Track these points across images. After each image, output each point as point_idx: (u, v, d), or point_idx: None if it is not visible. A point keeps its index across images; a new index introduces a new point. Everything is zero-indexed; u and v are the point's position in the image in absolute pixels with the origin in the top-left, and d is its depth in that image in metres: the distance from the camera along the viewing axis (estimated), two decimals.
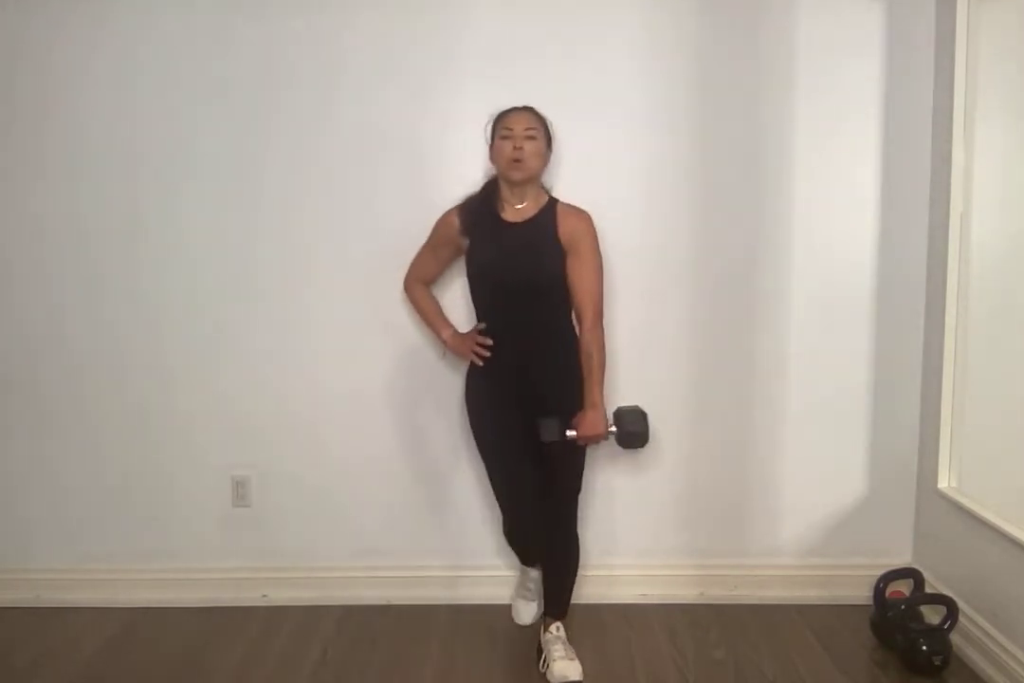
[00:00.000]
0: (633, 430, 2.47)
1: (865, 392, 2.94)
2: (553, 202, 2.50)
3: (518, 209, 2.48)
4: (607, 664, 2.60)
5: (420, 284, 2.72)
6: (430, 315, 2.71)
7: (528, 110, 2.47)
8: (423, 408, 2.94)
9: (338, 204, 2.89)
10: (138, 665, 2.65)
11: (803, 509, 2.98)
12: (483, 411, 2.56)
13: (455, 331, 2.66)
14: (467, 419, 2.62)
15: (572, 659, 2.50)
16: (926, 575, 2.79)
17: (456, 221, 2.54)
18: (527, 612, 2.81)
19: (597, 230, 2.48)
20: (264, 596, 2.99)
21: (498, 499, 2.61)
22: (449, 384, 2.85)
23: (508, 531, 2.65)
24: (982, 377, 2.67)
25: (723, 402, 2.96)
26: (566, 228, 2.44)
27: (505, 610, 2.86)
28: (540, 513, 2.53)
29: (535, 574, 2.74)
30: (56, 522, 3.02)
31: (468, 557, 2.99)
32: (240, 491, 3.00)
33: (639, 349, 2.92)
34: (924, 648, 2.51)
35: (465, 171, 2.78)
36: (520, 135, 2.41)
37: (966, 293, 2.68)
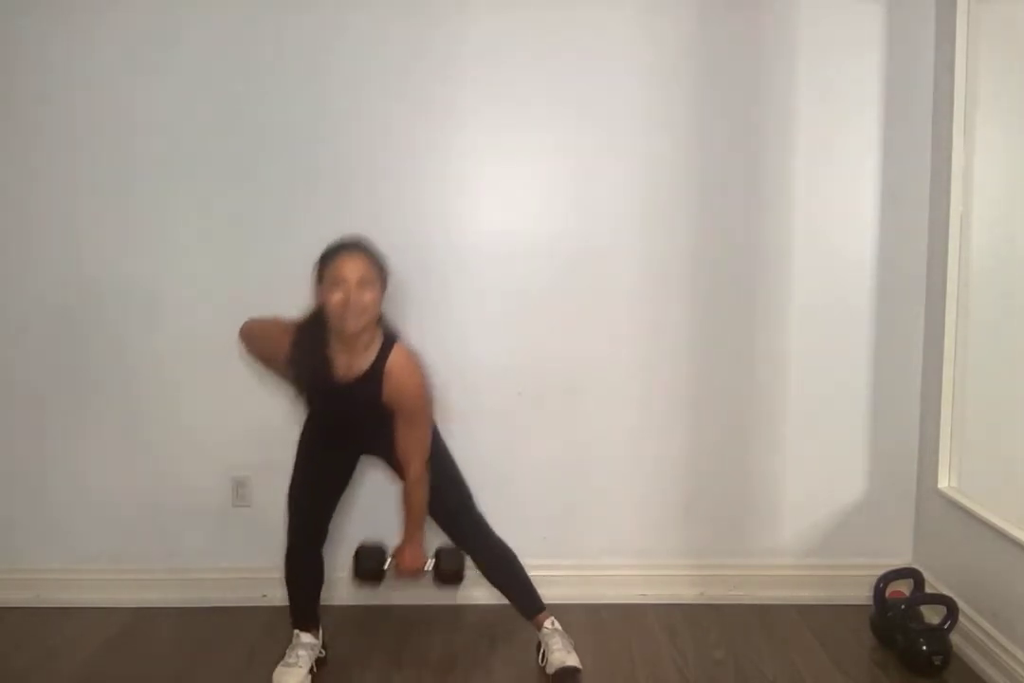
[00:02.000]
0: (451, 569, 2.50)
1: (865, 392, 2.94)
2: (386, 350, 2.33)
3: (349, 359, 2.33)
4: (607, 664, 2.60)
5: (261, 360, 2.57)
6: (279, 372, 2.53)
7: (360, 252, 2.29)
8: None
9: (336, 205, 2.88)
10: (138, 665, 2.65)
11: (803, 509, 2.98)
12: (310, 443, 2.54)
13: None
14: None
15: (570, 650, 2.51)
16: (926, 575, 2.79)
17: (288, 353, 2.35)
18: (289, 679, 2.48)
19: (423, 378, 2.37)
20: (264, 596, 2.99)
21: (291, 516, 2.56)
22: (444, 385, 2.85)
23: (291, 554, 2.58)
24: (982, 377, 2.67)
25: (723, 402, 2.96)
26: (389, 390, 2.32)
27: (505, 610, 2.85)
28: (320, 545, 2.58)
29: (306, 638, 2.56)
30: (56, 522, 3.02)
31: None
32: (240, 491, 3.00)
33: (639, 349, 2.92)
34: (924, 648, 2.51)
35: (465, 170, 2.79)
36: (355, 285, 2.23)
37: (966, 293, 2.68)
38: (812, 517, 2.99)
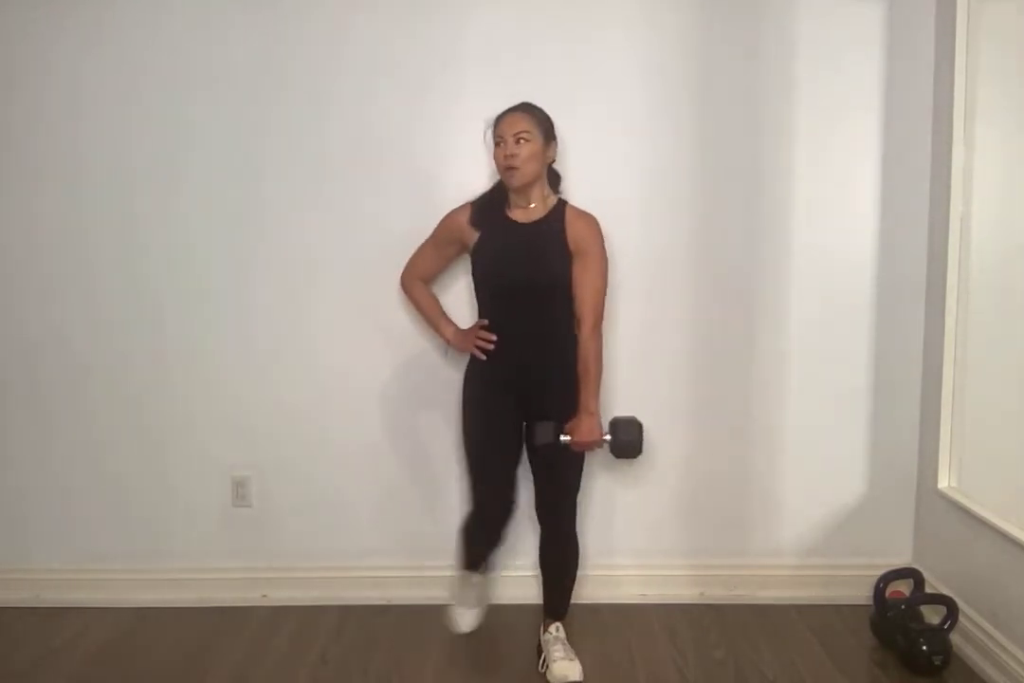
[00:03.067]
0: (627, 439, 2.44)
1: (865, 392, 2.94)
2: (563, 204, 2.48)
3: (526, 210, 2.46)
4: (607, 664, 2.60)
5: (419, 282, 2.70)
6: (431, 313, 2.70)
7: (520, 111, 2.42)
8: (425, 409, 2.94)
9: (337, 204, 2.89)
10: (138, 665, 2.65)
11: (803, 509, 2.98)
12: (476, 408, 2.55)
13: (457, 328, 2.66)
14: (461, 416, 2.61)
15: (572, 659, 2.51)
16: (926, 575, 2.79)
17: (464, 219, 2.51)
18: (466, 620, 2.72)
19: (604, 235, 2.46)
20: (264, 596, 2.99)
21: (473, 487, 2.55)
22: (451, 385, 2.84)
23: (472, 522, 2.57)
24: (982, 377, 2.67)
25: (723, 402, 2.96)
26: (574, 232, 2.42)
27: (506, 610, 2.86)
28: (509, 510, 2.54)
29: (477, 579, 2.68)
30: (56, 522, 3.03)
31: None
32: (240, 491, 3.00)
33: (639, 349, 2.92)
34: (924, 648, 2.51)
35: (464, 171, 2.79)
36: (511, 141, 2.37)
37: (966, 293, 2.68)
38: (812, 517, 2.99)
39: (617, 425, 2.46)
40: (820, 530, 2.99)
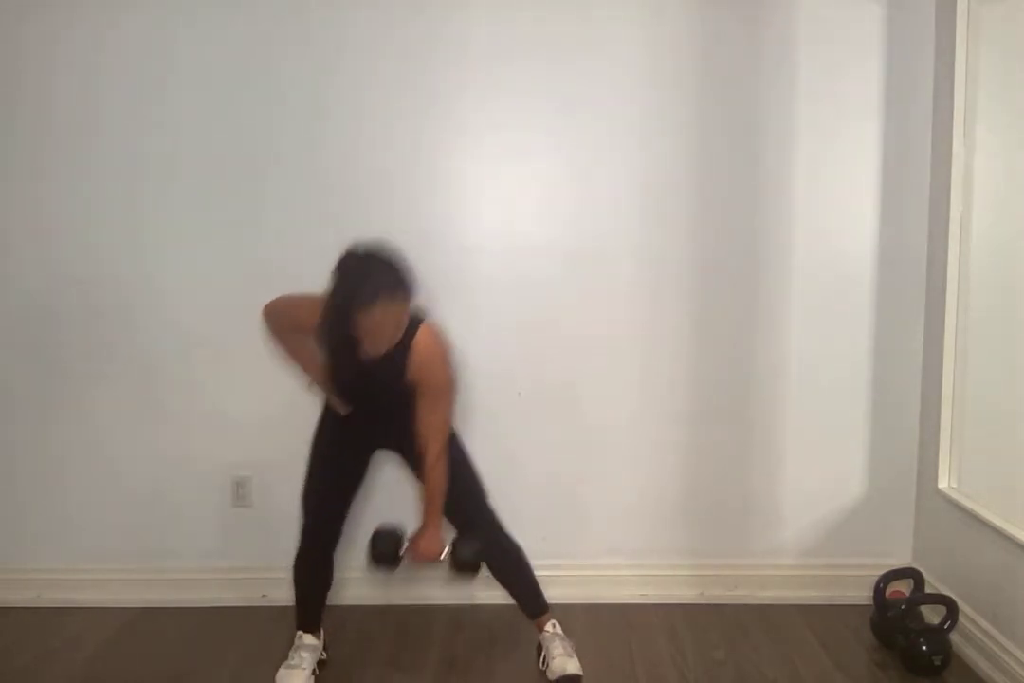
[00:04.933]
0: (467, 559, 2.42)
1: (865, 392, 2.94)
2: (413, 329, 2.29)
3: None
4: (607, 664, 2.60)
5: (286, 334, 2.51)
6: (298, 358, 2.54)
7: (389, 302, 2.15)
8: None
9: (335, 205, 2.89)
10: (138, 665, 2.65)
11: (803, 509, 2.98)
12: (324, 441, 2.52)
13: (324, 375, 2.48)
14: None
15: (571, 655, 2.51)
16: (926, 575, 2.79)
17: (310, 324, 2.31)
18: (292, 681, 2.48)
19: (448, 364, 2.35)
20: (264, 596, 2.99)
21: (304, 517, 2.52)
22: None
23: (300, 565, 2.54)
24: (982, 377, 2.66)
25: (723, 402, 2.96)
26: (415, 369, 2.30)
27: (505, 610, 2.85)
28: (333, 548, 2.53)
29: (309, 640, 2.56)
30: (57, 522, 3.03)
31: None
32: (240, 491, 3.00)
33: (639, 349, 2.92)
34: (924, 648, 2.51)
35: (465, 169, 2.79)
36: (386, 334, 2.22)
37: (966, 293, 2.68)
38: (812, 517, 2.99)
39: (458, 543, 2.45)
40: (820, 530, 2.99)
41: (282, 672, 2.49)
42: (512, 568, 2.60)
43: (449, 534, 2.48)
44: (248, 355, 2.94)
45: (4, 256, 2.94)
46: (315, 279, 2.90)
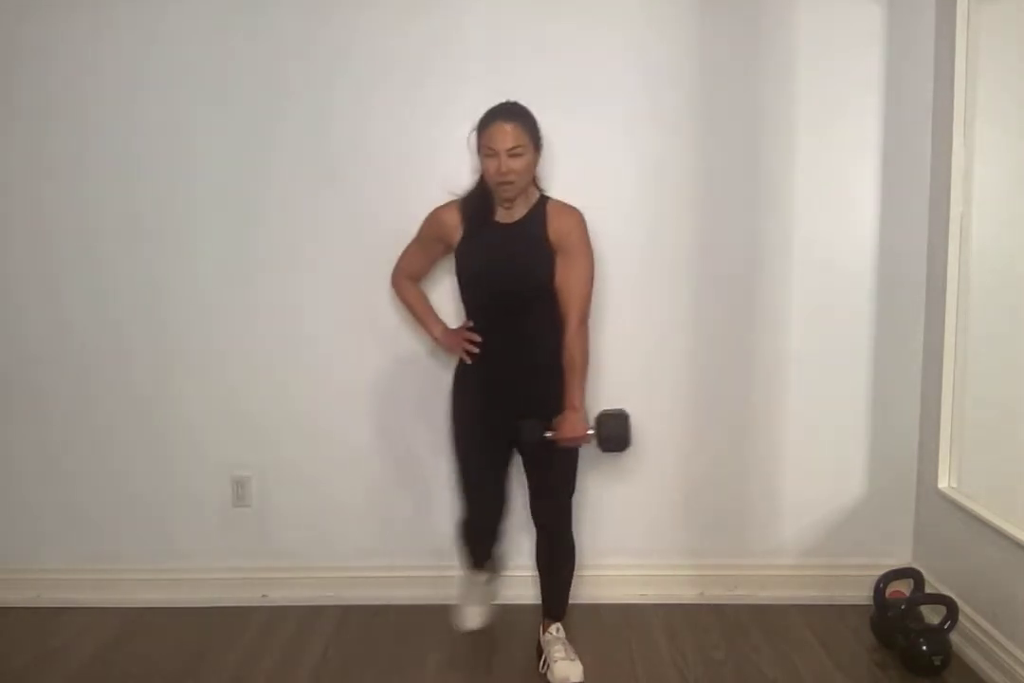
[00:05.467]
0: (613, 434, 2.42)
1: (865, 392, 2.94)
2: (544, 200, 2.45)
3: (509, 211, 2.44)
4: (607, 664, 2.60)
5: (408, 280, 2.69)
6: (419, 312, 2.69)
7: (511, 121, 2.33)
8: (423, 410, 2.93)
9: (337, 204, 2.89)
10: (138, 665, 2.65)
11: (803, 509, 2.98)
12: (462, 417, 2.55)
13: (445, 327, 2.65)
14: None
15: (573, 660, 2.51)
16: (926, 575, 2.79)
17: (448, 218, 2.49)
18: (474, 617, 2.76)
19: (589, 228, 2.44)
20: (264, 596, 2.99)
21: (463, 493, 2.57)
22: (447, 386, 2.85)
23: (465, 527, 2.61)
24: (982, 377, 2.66)
25: (723, 402, 2.96)
26: (555, 228, 2.40)
27: (506, 610, 2.86)
28: (500, 514, 2.58)
29: (481, 578, 2.73)
30: (57, 522, 3.03)
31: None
32: (240, 491, 3.00)
33: (639, 349, 2.92)
34: (924, 648, 2.51)
35: (462, 171, 2.79)
36: (505, 155, 2.31)
37: (966, 293, 2.68)
38: (812, 517, 2.99)
39: (603, 420, 2.44)
40: (820, 530, 2.99)
41: (469, 610, 2.71)
42: (561, 566, 2.61)
43: (592, 409, 2.46)
44: (250, 356, 2.95)
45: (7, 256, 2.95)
46: (315, 280, 2.92)
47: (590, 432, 2.42)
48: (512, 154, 2.31)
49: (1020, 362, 2.57)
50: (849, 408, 2.95)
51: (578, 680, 2.46)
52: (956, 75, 2.63)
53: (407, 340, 2.91)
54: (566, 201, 2.47)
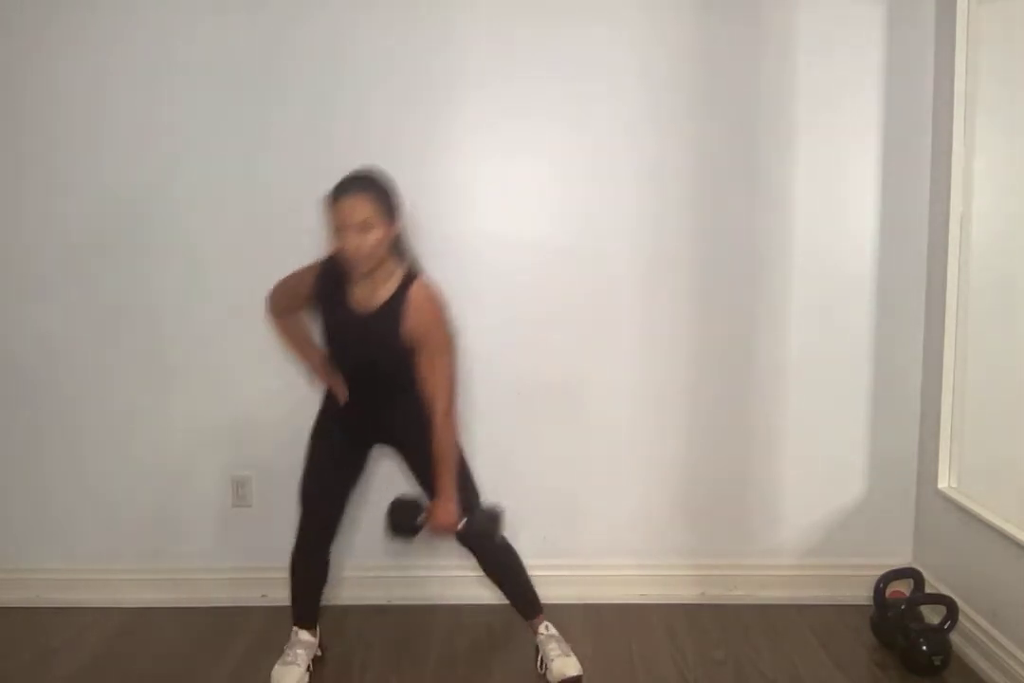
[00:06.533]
0: (481, 530, 2.43)
1: (865, 392, 2.94)
2: (408, 283, 2.31)
3: (367, 295, 2.32)
4: (607, 664, 2.60)
5: (286, 312, 2.55)
6: (299, 344, 2.59)
7: (360, 192, 2.20)
8: None
9: None
10: (138, 665, 2.65)
11: (803, 509, 2.98)
12: (323, 435, 2.52)
13: (323, 357, 2.51)
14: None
15: (568, 655, 2.51)
16: (926, 575, 2.79)
17: (310, 283, 2.39)
18: (287, 678, 2.48)
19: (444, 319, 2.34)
20: (264, 596, 2.99)
21: (301, 513, 2.54)
22: None
23: (298, 551, 2.55)
24: (982, 377, 2.66)
25: (723, 402, 2.96)
26: (411, 327, 2.29)
27: (505, 610, 2.85)
28: (329, 543, 2.55)
29: (304, 636, 2.58)
30: (56, 522, 3.03)
31: (468, 556, 2.98)
32: (240, 491, 3.00)
33: (639, 349, 2.92)
34: (924, 648, 2.51)
35: (465, 169, 2.79)
36: (353, 230, 2.19)
37: (966, 293, 2.68)
38: (812, 517, 2.99)
39: (475, 512, 2.45)
40: (820, 530, 2.99)
41: (277, 669, 2.50)
42: (505, 570, 2.60)
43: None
44: (249, 355, 2.94)
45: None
46: None
47: (463, 521, 2.41)
48: (361, 229, 2.19)
49: (1020, 362, 2.57)
50: (849, 408, 2.95)
51: (575, 674, 2.46)
52: (956, 76, 2.63)
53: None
54: (429, 285, 2.35)
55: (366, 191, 2.22)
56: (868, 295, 2.90)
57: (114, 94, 2.86)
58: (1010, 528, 2.42)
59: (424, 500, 2.44)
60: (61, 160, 2.89)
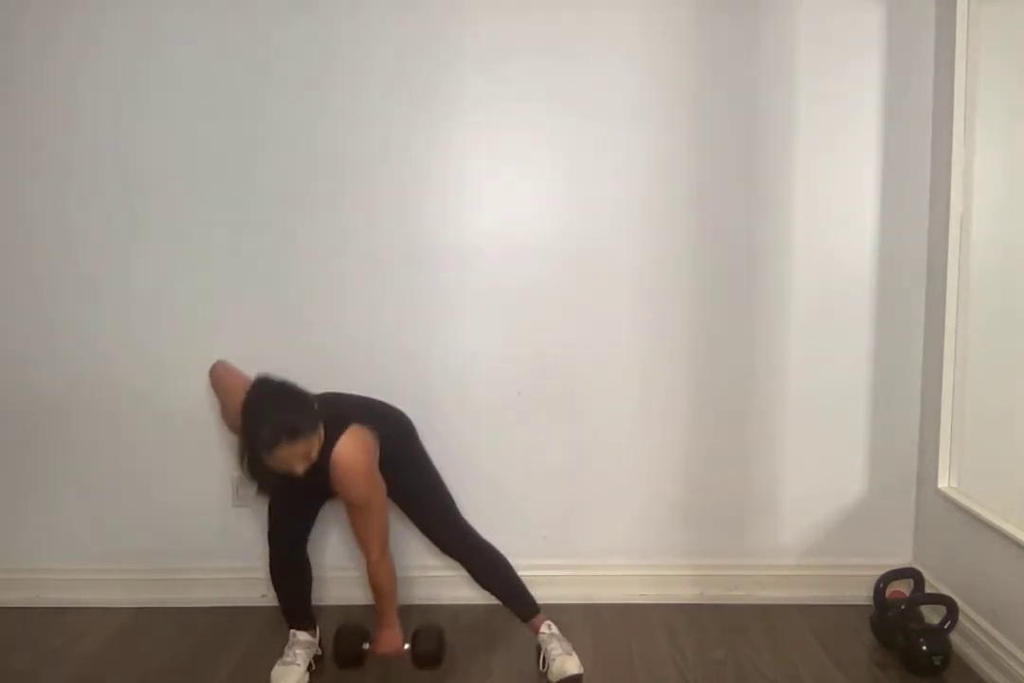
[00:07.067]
0: (427, 651, 2.54)
1: (865, 392, 2.94)
2: (332, 442, 2.33)
3: None
4: (607, 664, 2.60)
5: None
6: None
7: (287, 441, 2.19)
8: (421, 409, 2.93)
9: (335, 208, 2.88)
10: (138, 665, 2.65)
11: (803, 509, 2.98)
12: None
13: None
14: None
15: (570, 654, 2.51)
16: (926, 575, 2.79)
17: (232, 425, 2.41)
18: (287, 678, 2.50)
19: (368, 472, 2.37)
20: (264, 596, 2.98)
21: (269, 524, 2.62)
22: (448, 386, 2.86)
23: (274, 562, 2.63)
24: (982, 377, 2.66)
25: (723, 402, 2.96)
26: (335, 483, 2.36)
27: (504, 611, 2.85)
28: (302, 549, 2.64)
29: (303, 637, 2.61)
30: (56, 522, 3.03)
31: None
32: (240, 491, 2.99)
33: (639, 350, 2.92)
34: (924, 648, 2.51)
35: (464, 169, 2.79)
36: (298, 461, 2.24)
37: (966, 293, 2.68)
38: (812, 517, 2.99)
39: (418, 637, 2.56)
40: (820, 530, 2.99)
41: (277, 669, 2.51)
42: (494, 574, 2.63)
43: (409, 629, 2.57)
44: (249, 356, 2.93)
45: None
46: (312, 283, 2.92)
47: (406, 647, 2.54)
48: (304, 458, 2.24)
49: (1020, 362, 2.57)
50: (849, 408, 2.95)
51: (576, 672, 2.47)
52: (956, 76, 2.63)
53: (406, 339, 2.91)
54: (350, 447, 2.34)
55: (291, 435, 2.20)
56: (868, 296, 2.90)
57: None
58: (1010, 528, 2.42)
59: (368, 627, 2.55)
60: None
